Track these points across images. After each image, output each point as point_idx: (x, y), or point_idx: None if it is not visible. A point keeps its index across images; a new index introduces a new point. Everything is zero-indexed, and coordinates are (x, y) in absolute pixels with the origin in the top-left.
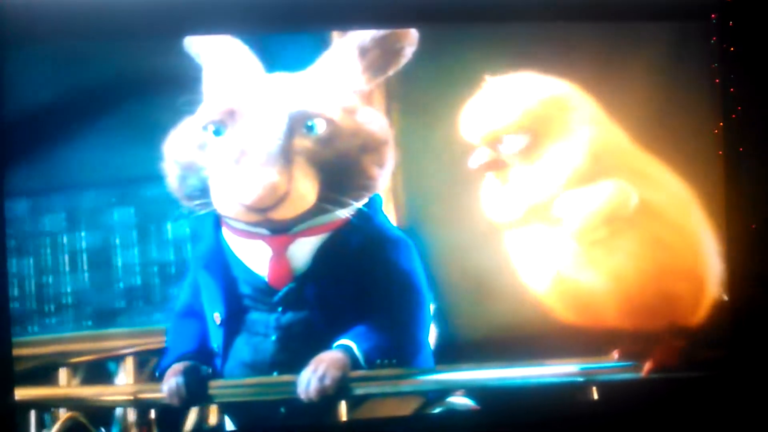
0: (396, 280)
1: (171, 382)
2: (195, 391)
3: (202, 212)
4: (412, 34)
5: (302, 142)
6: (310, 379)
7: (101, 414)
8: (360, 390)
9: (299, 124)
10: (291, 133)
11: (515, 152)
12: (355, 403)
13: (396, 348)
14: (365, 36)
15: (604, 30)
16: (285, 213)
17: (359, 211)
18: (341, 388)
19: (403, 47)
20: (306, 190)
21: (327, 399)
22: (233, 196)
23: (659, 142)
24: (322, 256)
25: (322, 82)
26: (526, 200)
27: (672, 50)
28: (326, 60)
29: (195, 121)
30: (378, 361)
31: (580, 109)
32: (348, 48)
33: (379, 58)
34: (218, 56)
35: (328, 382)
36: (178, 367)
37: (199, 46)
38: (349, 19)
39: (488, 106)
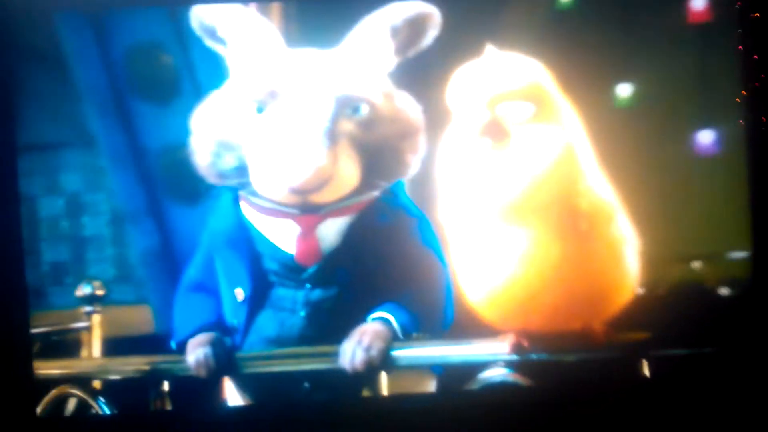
0: (422, 256)
1: (198, 352)
2: (223, 362)
3: (241, 191)
4: (437, 17)
5: (346, 125)
6: (356, 350)
7: (102, 386)
8: (405, 361)
9: (345, 106)
10: (336, 115)
11: (519, 121)
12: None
13: (428, 321)
14: (397, 16)
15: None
16: (326, 196)
17: (386, 192)
18: (385, 359)
19: (427, 29)
20: (350, 173)
21: (372, 370)
22: (276, 177)
23: (679, 111)
24: (352, 234)
25: (361, 63)
26: (514, 176)
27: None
28: (359, 40)
29: (232, 97)
30: (414, 334)
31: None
32: (380, 28)
33: (407, 39)
34: (240, 29)
35: (374, 353)
36: (204, 338)
37: (215, 18)
38: None
39: (492, 71)
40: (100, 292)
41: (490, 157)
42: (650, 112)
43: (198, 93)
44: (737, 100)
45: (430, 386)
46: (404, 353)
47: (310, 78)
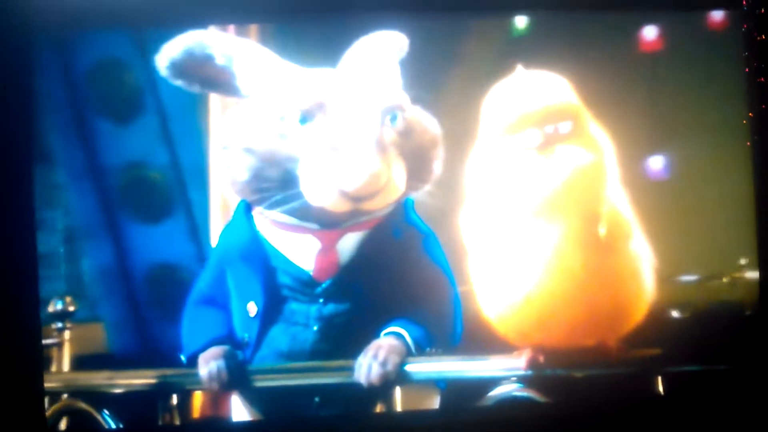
0: (433, 272)
1: (211, 366)
2: (236, 376)
3: (288, 206)
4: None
5: (390, 134)
6: (371, 364)
7: (106, 399)
8: (419, 376)
9: (386, 116)
10: (381, 124)
11: (561, 136)
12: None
13: (440, 337)
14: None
15: (630, 20)
16: (378, 203)
17: (398, 207)
18: (400, 374)
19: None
20: (400, 180)
21: (386, 385)
22: (332, 184)
23: (686, 133)
24: (367, 249)
25: (388, 77)
26: (542, 188)
27: (701, 38)
28: (376, 55)
29: (268, 110)
30: (426, 350)
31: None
32: (391, 46)
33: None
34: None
35: (390, 367)
36: (217, 351)
37: (212, 45)
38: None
39: (528, 91)
40: (71, 308)
41: (522, 170)
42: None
43: (161, 112)
44: (744, 122)
45: (434, 401)
46: (418, 368)
47: (353, 90)
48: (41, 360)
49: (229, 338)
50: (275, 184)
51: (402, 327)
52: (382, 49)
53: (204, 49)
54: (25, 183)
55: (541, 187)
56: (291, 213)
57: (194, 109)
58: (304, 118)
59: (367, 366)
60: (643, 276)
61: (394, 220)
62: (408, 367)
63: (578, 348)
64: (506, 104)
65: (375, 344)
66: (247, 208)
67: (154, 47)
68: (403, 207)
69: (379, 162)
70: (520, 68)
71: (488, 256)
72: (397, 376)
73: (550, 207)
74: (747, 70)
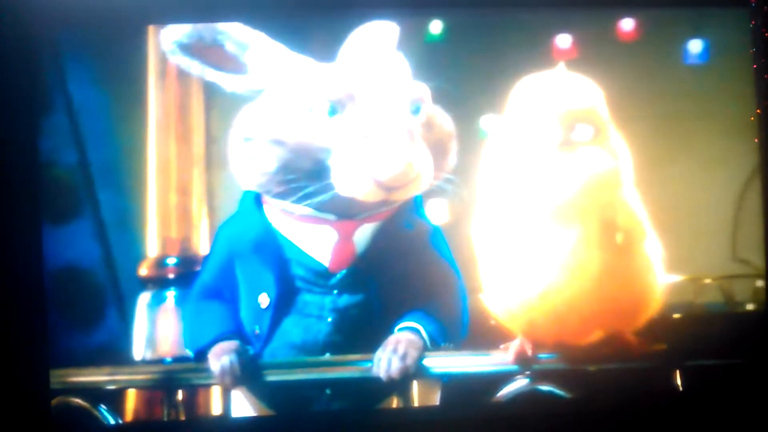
0: (442, 265)
1: (224, 360)
2: (249, 370)
3: (318, 199)
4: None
5: (414, 125)
6: (391, 358)
7: (103, 395)
8: (438, 370)
9: (412, 107)
10: (407, 115)
11: (581, 141)
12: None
13: (452, 331)
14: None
15: (636, 16)
16: (408, 193)
17: (409, 198)
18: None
19: None
20: (428, 172)
21: (404, 380)
22: (367, 173)
23: (694, 130)
24: (380, 240)
25: (405, 68)
26: (563, 188)
27: (708, 34)
28: (383, 46)
29: (294, 102)
30: (441, 344)
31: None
32: (387, 35)
33: None
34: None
35: (409, 361)
36: (228, 345)
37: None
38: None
39: (563, 88)
40: None
41: (543, 169)
42: None
43: (70, 110)
44: (751, 118)
45: (437, 394)
46: (435, 362)
47: (380, 81)
48: (48, 358)
49: (238, 332)
50: (304, 175)
51: (417, 322)
52: (383, 39)
53: (214, 35)
54: (31, 186)
55: (558, 192)
56: (310, 204)
57: (104, 108)
58: (334, 110)
59: (387, 360)
60: (655, 273)
61: (405, 212)
62: (425, 362)
63: (595, 342)
64: (539, 98)
65: (393, 339)
66: (257, 199)
67: (65, 45)
68: (413, 200)
69: (413, 152)
70: (561, 65)
71: (501, 255)
72: (416, 371)
73: (567, 210)
74: (755, 66)
